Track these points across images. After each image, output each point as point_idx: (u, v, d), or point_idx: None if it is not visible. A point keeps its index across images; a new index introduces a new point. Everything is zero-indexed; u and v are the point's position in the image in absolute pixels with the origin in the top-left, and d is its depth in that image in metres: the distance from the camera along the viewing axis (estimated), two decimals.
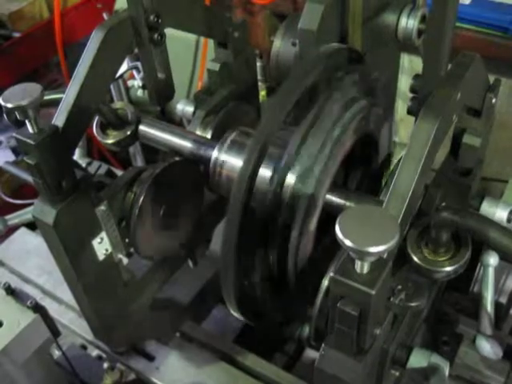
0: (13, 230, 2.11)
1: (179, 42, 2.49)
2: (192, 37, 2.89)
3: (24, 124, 1.17)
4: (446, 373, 1.10)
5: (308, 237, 1.22)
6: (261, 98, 1.88)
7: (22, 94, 1.13)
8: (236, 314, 1.30)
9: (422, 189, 1.12)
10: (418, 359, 1.09)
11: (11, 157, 2.54)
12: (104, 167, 2.06)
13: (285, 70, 1.65)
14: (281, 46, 1.68)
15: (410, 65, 2.44)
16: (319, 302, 1.13)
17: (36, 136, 1.16)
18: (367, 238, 0.81)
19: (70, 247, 1.31)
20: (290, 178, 1.18)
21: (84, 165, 2.08)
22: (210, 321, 1.93)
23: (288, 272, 1.24)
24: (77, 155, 2.22)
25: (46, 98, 1.42)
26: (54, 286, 1.91)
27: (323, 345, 0.96)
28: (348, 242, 0.81)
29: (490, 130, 1.38)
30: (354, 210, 0.88)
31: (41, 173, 1.19)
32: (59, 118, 1.24)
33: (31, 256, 2.02)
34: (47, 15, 2.87)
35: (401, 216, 1.01)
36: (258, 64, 1.85)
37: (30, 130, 1.16)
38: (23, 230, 2.12)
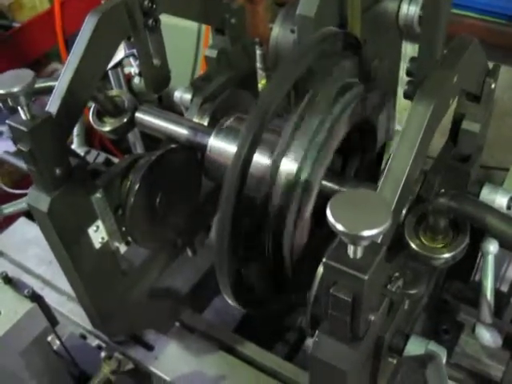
0: (12, 219, 2.10)
1: (180, 30, 2.49)
2: (193, 25, 2.88)
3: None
4: (444, 360, 1.09)
5: (303, 224, 1.21)
6: (261, 85, 1.87)
7: (13, 81, 1.12)
8: (232, 303, 1.29)
9: (418, 172, 1.10)
10: (415, 347, 1.08)
11: (12, 147, 2.53)
12: (102, 156, 2.05)
13: (283, 56, 1.64)
14: (279, 32, 1.67)
15: (412, 52, 2.41)
16: (315, 289, 1.12)
17: (29, 122, 1.15)
18: (359, 221, 0.79)
19: (65, 235, 1.30)
20: (285, 164, 1.17)
21: (82, 153, 2.07)
22: (210, 310, 1.92)
23: (284, 260, 1.23)
24: (75, 144, 2.21)
25: (40, 85, 1.41)
26: (54, 275, 1.90)
27: (317, 332, 0.95)
28: (339, 227, 0.79)
29: (490, 115, 1.37)
30: (346, 194, 0.86)
31: (34, 160, 1.18)
32: (52, 105, 1.23)
33: (31, 246, 2.01)
34: (47, 5, 2.86)
35: (395, 200, 0.99)
36: (259, 52, 1.83)
37: (23, 116, 1.15)
38: (23, 220, 2.11)
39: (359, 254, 0.84)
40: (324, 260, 0.86)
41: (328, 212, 0.81)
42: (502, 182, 1.95)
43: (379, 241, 0.87)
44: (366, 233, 0.79)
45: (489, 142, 1.44)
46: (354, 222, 0.79)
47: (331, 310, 0.90)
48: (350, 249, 0.84)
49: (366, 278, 0.83)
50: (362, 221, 0.79)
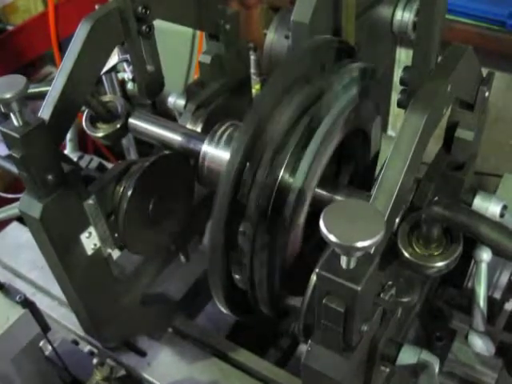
0: (4, 224, 2.09)
1: (175, 35, 2.48)
2: (188, 30, 2.87)
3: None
4: (436, 370, 1.09)
5: (296, 231, 1.20)
6: (255, 91, 1.86)
7: (5, 87, 1.11)
8: (224, 310, 1.29)
9: (411, 183, 1.10)
10: (408, 356, 1.07)
11: (5, 151, 2.51)
12: (96, 161, 2.04)
13: (277, 62, 1.64)
14: (274, 38, 1.67)
15: (406, 59, 2.42)
16: (308, 297, 1.11)
17: (21, 129, 1.14)
18: (352, 232, 0.79)
19: (57, 242, 1.29)
20: (278, 172, 1.16)
21: (75, 158, 2.06)
22: (202, 316, 1.92)
23: (276, 267, 1.23)
24: (68, 149, 2.20)
25: (33, 90, 1.41)
26: (46, 280, 1.89)
27: (310, 341, 0.95)
28: (332, 237, 0.78)
29: (484, 123, 1.36)
30: (339, 204, 0.86)
31: (26, 166, 1.18)
32: (45, 111, 1.23)
33: (23, 250, 2.00)
34: (41, 8, 2.85)
35: (388, 210, 0.99)
36: (253, 58, 1.83)
37: (15, 122, 1.15)
38: (15, 225, 2.10)
39: (352, 265, 0.83)
40: (317, 270, 0.85)
41: (321, 223, 0.80)
42: (495, 188, 1.95)
43: (372, 251, 0.87)
44: (360, 244, 0.78)
45: (482, 147, 1.44)
46: (347, 232, 0.79)
47: (324, 319, 0.89)
48: (343, 259, 0.83)
49: (359, 288, 0.82)
50: (355, 232, 0.79)
